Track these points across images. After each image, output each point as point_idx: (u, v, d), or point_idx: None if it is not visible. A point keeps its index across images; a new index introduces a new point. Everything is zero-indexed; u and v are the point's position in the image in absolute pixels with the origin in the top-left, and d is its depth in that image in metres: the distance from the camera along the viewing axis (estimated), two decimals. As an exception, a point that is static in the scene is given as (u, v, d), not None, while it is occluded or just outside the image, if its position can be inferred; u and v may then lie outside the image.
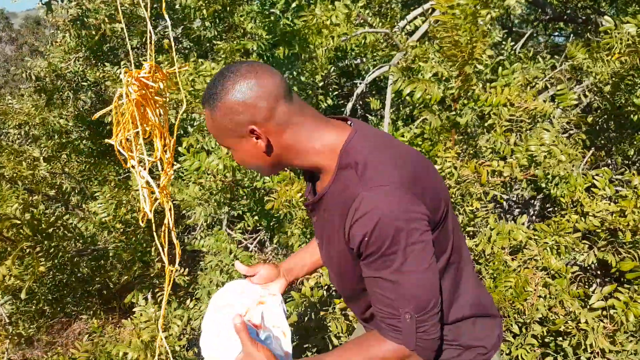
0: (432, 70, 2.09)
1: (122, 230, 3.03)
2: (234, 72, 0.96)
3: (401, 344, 0.94)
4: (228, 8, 2.95)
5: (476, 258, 2.41)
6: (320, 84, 2.65)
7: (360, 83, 3.06)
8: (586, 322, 1.93)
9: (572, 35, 4.18)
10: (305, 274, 1.38)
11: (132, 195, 3.03)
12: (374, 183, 0.90)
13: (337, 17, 2.44)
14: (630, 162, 2.92)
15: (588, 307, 2.00)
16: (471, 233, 2.47)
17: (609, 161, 3.01)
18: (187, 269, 2.94)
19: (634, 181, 2.44)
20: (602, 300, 1.96)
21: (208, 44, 3.50)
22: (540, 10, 3.79)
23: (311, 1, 2.37)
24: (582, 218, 2.46)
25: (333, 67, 3.00)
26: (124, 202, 3.04)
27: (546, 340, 2.28)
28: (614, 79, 2.24)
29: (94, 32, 2.97)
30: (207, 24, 3.10)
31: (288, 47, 2.62)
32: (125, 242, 3.04)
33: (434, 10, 3.12)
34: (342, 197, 0.95)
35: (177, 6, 2.83)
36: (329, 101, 3.15)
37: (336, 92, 3.40)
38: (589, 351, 2.00)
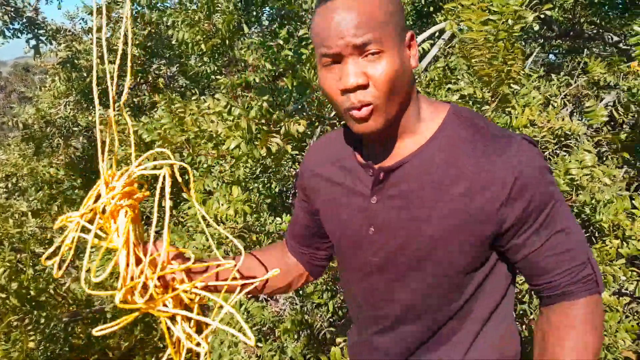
0: (460, 92, 1.91)
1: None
2: None
3: (595, 292, 0.81)
4: (227, 42, 2.79)
5: (519, 297, 2.19)
6: (332, 114, 2.47)
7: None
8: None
9: (578, 51, 4.08)
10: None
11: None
12: (515, 135, 0.80)
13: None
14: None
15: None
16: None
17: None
18: (192, 322, 2.67)
19: (679, 200, 2.25)
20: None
21: (206, 80, 3.33)
22: (545, 27, 3.69)
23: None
24: (624, 243, 2.26)
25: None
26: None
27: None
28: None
29: (85, 74, 2.79)
30: (205, 59, 2.94)
31: (294, 77, 2.44)
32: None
33: (442, 32, 2.99)
34: (470, 155, 0.79)
35: (173, 42, 2.66)
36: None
37: (343, 121, 3.23)
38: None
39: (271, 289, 1.07)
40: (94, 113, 2.97)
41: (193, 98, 2.26)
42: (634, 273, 2.28)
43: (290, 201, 2.93)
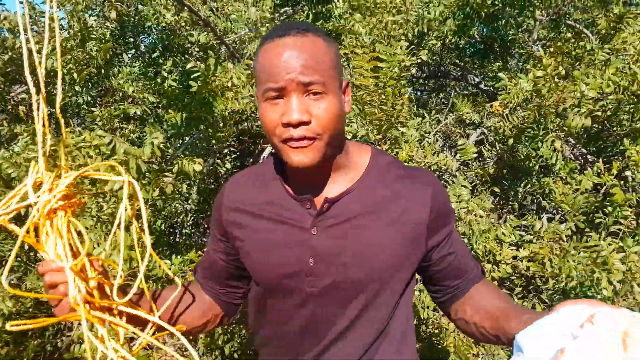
0: (354, 133, 1.97)
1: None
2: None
3: (484, 276, 1.00)
4: (103, 71, 2.58)
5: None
6: (225, 151, 2.38)
7: (263, 144, 2.85)
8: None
9: (442, 89, 4.51)
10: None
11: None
12: (419, 167, 1.04)
13: (239, 79, 2.22)
14: (525, 207, 3.11)
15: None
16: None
17: (505, 208, 3.17)
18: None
19: (537, 225, 2.56)
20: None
21: (77, 110, 3.03)
22: (417, 68, 4.01)
23: (207, 63, 2.13)
24: (495, 267, 2.49)
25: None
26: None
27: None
28: (514, 131, 2.34)
29: None
30: (77, 88, 2.67)
31: (183, 110, 2.32)
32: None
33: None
34: (397, 182, 0.91)
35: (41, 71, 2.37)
36: (227, 165, 2.88)
37: (235, 155, 3.16)
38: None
39: (188, 327, 0.99)
40: None
41: (68, 130, 2.02)
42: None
43: (178, 239, 2.75)
